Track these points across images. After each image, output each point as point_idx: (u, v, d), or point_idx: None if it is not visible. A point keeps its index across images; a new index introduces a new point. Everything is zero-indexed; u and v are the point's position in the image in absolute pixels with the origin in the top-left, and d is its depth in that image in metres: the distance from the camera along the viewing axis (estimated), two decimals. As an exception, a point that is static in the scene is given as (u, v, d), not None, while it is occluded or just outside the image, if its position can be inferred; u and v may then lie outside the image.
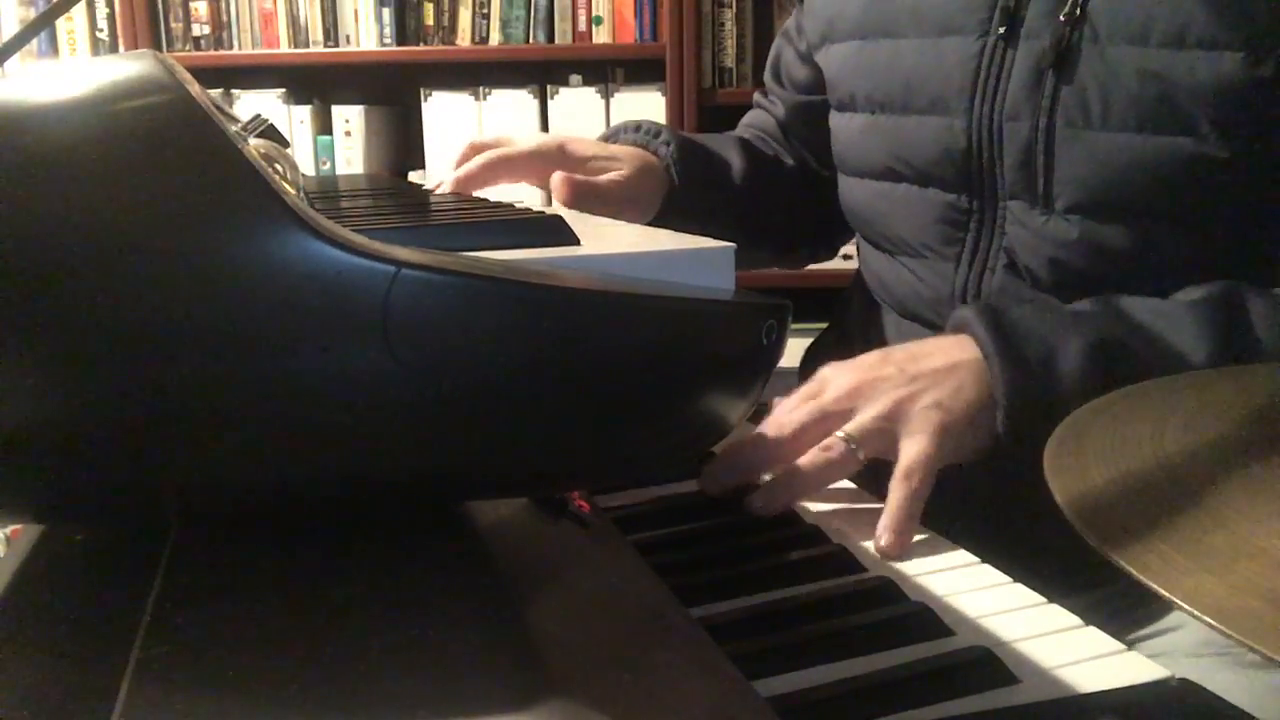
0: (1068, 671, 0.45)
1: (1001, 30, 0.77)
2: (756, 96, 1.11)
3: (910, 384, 0.64)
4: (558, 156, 0.87)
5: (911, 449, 0.62)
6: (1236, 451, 0.34)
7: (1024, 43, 0.76)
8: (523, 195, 0.85)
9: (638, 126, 0.97)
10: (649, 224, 0.89)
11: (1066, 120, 0.74)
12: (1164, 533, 0.29)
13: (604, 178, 0.86)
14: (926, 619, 0.49)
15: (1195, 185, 0.71)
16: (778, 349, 0.44)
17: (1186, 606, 0.25)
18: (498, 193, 0.85)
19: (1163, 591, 0.25)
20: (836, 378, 0.67)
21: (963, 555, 0.57)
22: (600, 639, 0.38)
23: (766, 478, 0.63)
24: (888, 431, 0.63)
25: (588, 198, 0.83)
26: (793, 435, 0.64)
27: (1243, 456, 0.34)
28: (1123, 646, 0.46)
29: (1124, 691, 0.43)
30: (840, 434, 0.63)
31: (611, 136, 0.99)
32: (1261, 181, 0.71)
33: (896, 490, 0.60)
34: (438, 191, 0.87)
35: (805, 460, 0.62)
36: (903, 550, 0.57)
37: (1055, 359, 0.64)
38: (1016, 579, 0.53)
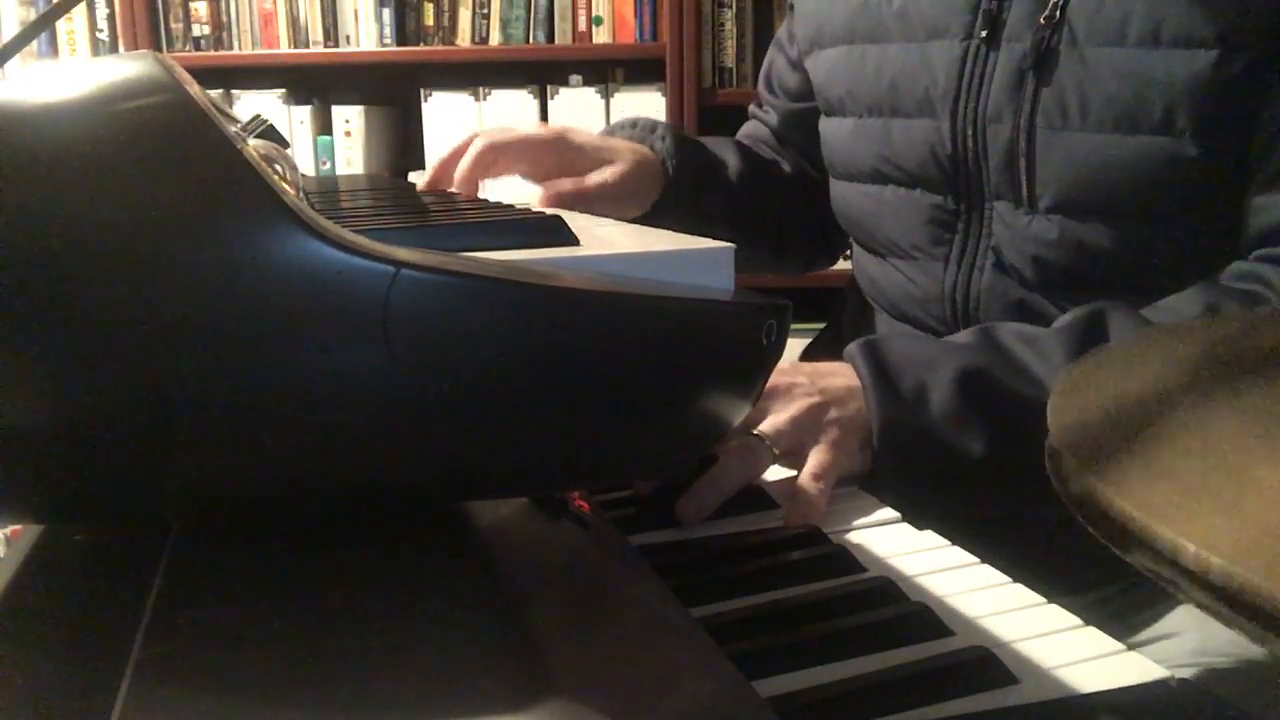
0: (1067, 671, 0.45)
1: (984, 33, 0.78)
2: (751, 108, 1.12)
3: (819, 394, 0.68)
4: (557, 145, 0.87)
5: (817, 456, 0.65)
6: (1236, 389, 0.34)
7: (1005, 45, 0.77)
8: (525, 194, 0.85)
9: (634, 123, 0.97)
10: (643, 221, 0.89)
11: (1047, 121, 0.75)
12: (1165, 476, 0.28)
13: (592, 181, 0.86)
14: (926, 619, 0.49)
15: (1172, 184, 0.72)
16: (778, 349, 0.44)
17: (1199, 551, 0.24)
18: (504, 188, 0.85)
19: (1175, 535, 0.25)
20: None
21: (963, 555, 0.57)
22: (600, 639, 0.38)
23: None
24: (797, 435, 0.66)
25: (576, 206, 0.83)
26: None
27: (1245, 396, 0.33)
28: (1123, 646, 0.46)
29: (1124, 691, 0.43)
30: (755, 432, 0.65)
31: (609, 132, 0.99)
32: (1234, 178, 0.72)
33: (810, 487, 0.63)
34: (424, 182, 0.87)
35: (728, 461, 0.63)
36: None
37: (927, 389, 0.67)
38: (1016, 579, 0.53)
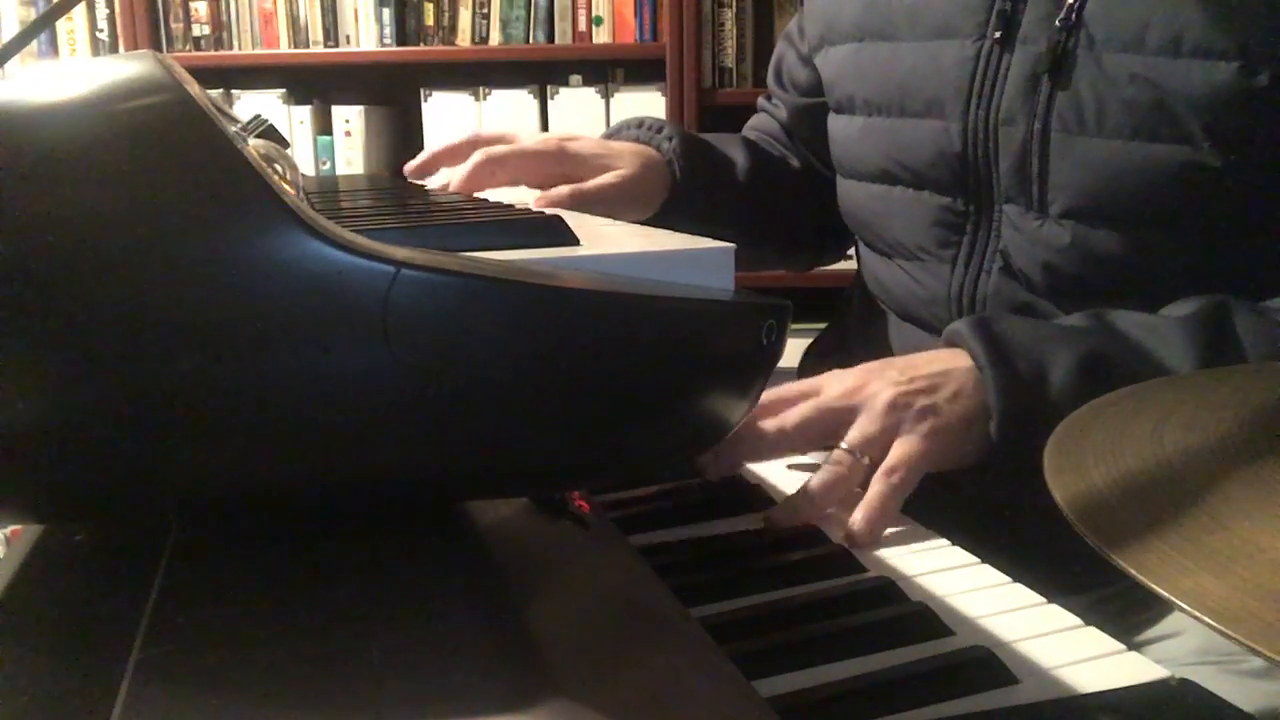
0: (1067, 671, 0.45)
1: (997, 34, 0.77)
2: (760, 100, 1.11)
3: (908, 384, 0.65)
4: (557, 156, 0.87)
5: (901, 448, 0.63)
6: (1236, 451, 0.34)
7: (1020, 47, 0.76)
8: (525, 194, 0.85)
9: (640, 123, 0.97)
10: (651, 223, 0.89)
11: (1061, 126, 0.74)
12: (1163, 533, 0.28)
13: (592, 183, 0.85)
14: (926, 619, 0.49)
15: (1187, 193, 0.71)
16: (778, 349, 0.44)
17: (1186, 607, 0.25)
18: (500, 193, 0.84)
19: (1162, 592, 0.25)
20: (839, 376, 0.68)
21: (963, 555, 0.57)
22: (600, 639, 0.38)
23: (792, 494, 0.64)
24: (887, 433, 0.64)
25: (579, 208, 0.83)
26: (795, 430, 0.65)
27: (1243, 456, 0.33)
28: (1122, 646, 0.46)
29: (1124, 691, 0.43)
30: (844, 446, 0.64)
31: (614, 133, 0.98)
32: (1254, 190, 0.71)
33: (877, 484, 0.61)
34: (412, 165, 0.87)
35: (820, 479, 0.63)
36: (871, 540, 0.59)
37: (1046, 371, 0.65)
38: (1016, 579, 0.53)
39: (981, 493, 0.67)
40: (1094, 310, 0.71)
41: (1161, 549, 0.28)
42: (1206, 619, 0.24)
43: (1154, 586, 0.26)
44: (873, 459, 0.63)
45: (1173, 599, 0.25)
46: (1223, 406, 0.39)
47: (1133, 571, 0.26)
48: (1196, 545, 0.28)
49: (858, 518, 0.59)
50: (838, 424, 0.65)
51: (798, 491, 0.62)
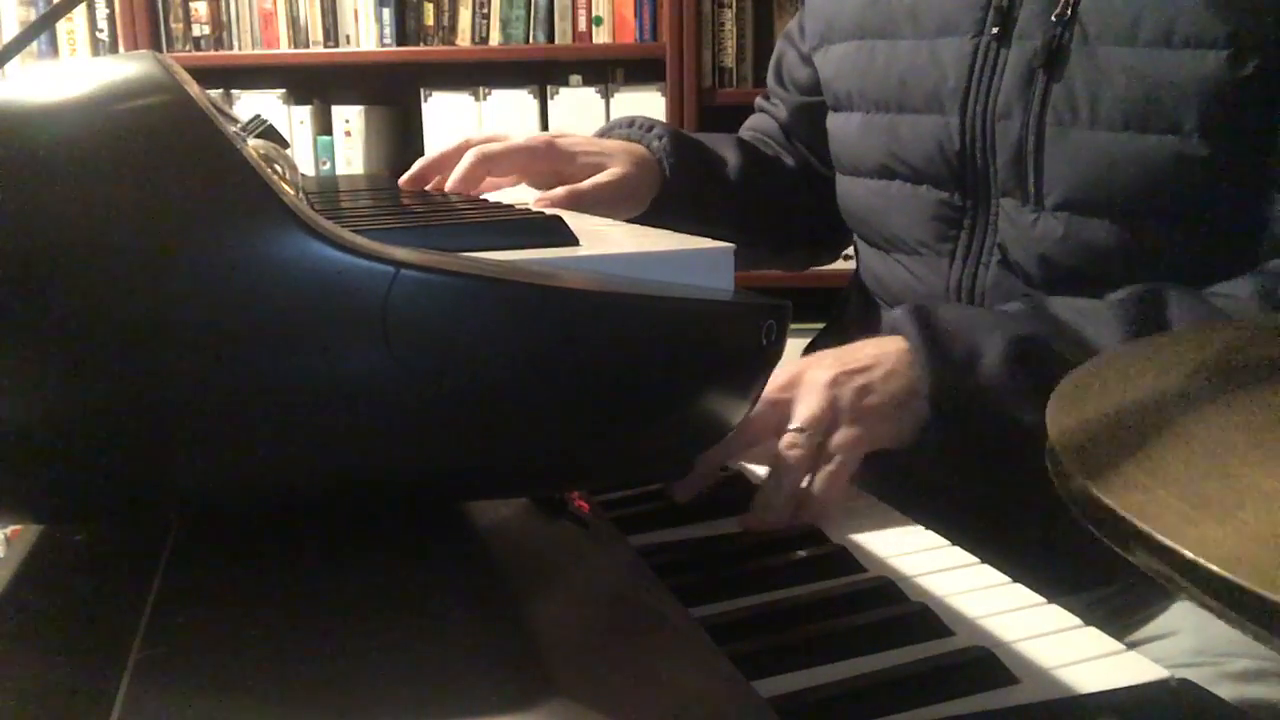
0: (1067, 672, 0.45)
1: (995, 30, 0.78)
2: (759, 100, 1.12)
3: (844, 367, 0.67)
4: (547, 153, 0.87)
5: (839, 436, 0.65)
6: (1234, 397, 0.34)
7: (1016, 43, 0.77)
8: (524, 195, 0.85)
9: (631, 122, 0.97)
10: (641, 221, 0.89)
11: (1056, 119, 0.75)
12: (1165, 482, 0.28)
13: (588, 183, 0.85)
14: (926, 619, 0.49)
15: (1180, 183, 0.72)
16: (778, 349, 0.44)
17: (1196, 557, 0.24)
18: (500, 194, 0.84)
19: (1171, 543, 0.25)
20: (778, 370, 0.68)
21: (963, 555, 0.57)
22: (600, 639, 0.38)
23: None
24: (831, 408, 0.65)
25: (575, 207, 0.83)
26: (744, 426, 0.65)
27: (1241, 402, 0.33)
28: (1122, 647, 0.46)
29: (1124, 692, 0.43)
30: (792, 428, 0.64)
31: (605, 132, 0.99)
32: (1245, 180, 0.72)
33: (823, 464, 0.63)
34: (407, 177, 0.87)
35: (781, 466, 0.63)
36: (826, 518, 0.62)
37: (979, 352, 0.67)
38: (1016, 579, 0.53)
39: (934, 477, 0.68)
40: (1032, 297, 0.73)
41: (1163, 496, 0.27)
42: (1214, 566, 0.24)
43: (1162, 538, 0.25)
44: (825, 435, 0.65)
45: (1181, 549, 0.25)
46: (1227, 359, 0.38)
47: (1137, 522, 0.26)
48: (1198, 492, 0.27)
49: (817, 494, 0.62)
50: (780, 416, 0.65)
51: (761, 487, 0.63)
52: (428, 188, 0.87)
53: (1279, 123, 0.70)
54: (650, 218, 0.91)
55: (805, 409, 0.65)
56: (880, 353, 0.68)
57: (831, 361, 0.67)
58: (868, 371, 0.67)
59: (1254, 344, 0.40)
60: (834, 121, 0.95)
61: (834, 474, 0.63)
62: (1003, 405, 0.66)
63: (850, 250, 1.04)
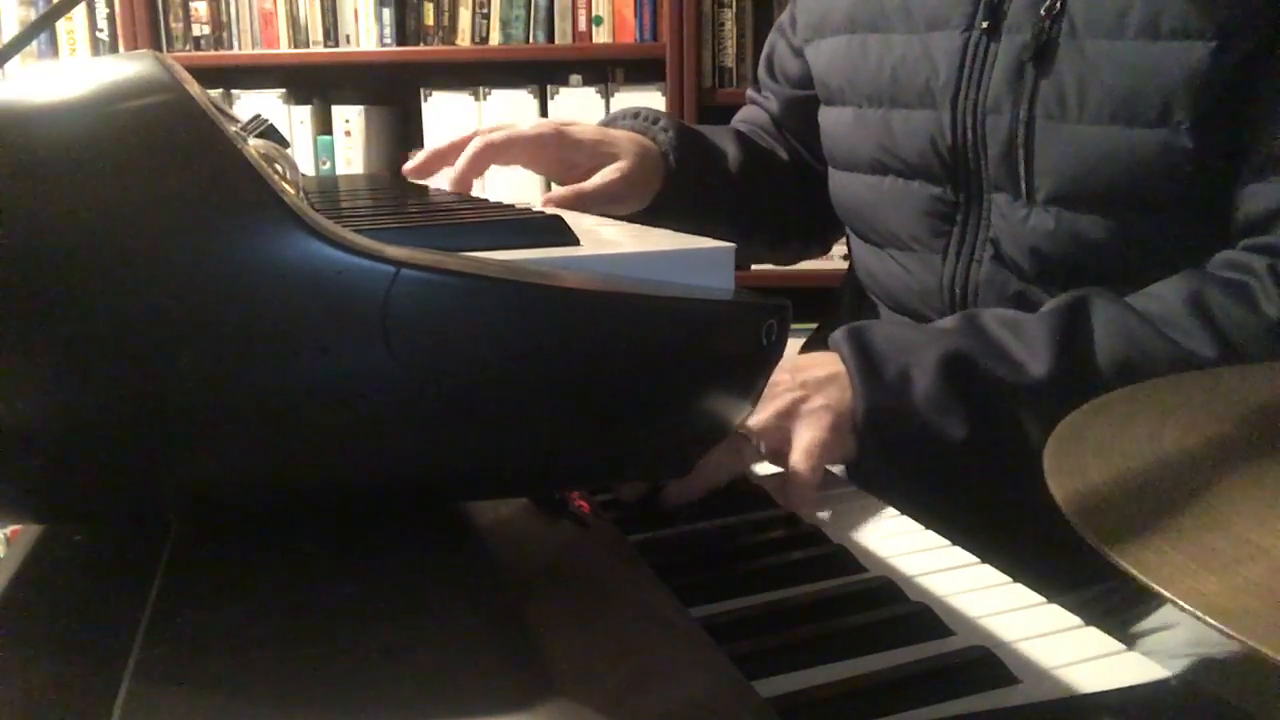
0: (1067, 671, 0.45)
1: (984, 24, 0.78)
2: (750, 93, 1.12)
3: (800, 388, 0.68)
4: (556, 140, 0.87)
5: (807, 434, 0.65)
6: (1236, 451, 0.34)
7: (1006, 36, 0.77)
8: (525, 194, 0.85)
9: (636, 113, 0.97)
10: (643, 213, 0.89)
11: (1045, 113, 0.76)
12: (1163, 532, 0.28)
13: (595, 182, 0.85)
14: (926, 619, 0.49)
15: (1169, 176, 0.73)
16: (778, 349, 0.44)
17: (1184, 604, 0.25)
18: (504, 184, 0.84)
19: (1161, 590, 0.25)
20: None
21: (963, 555, 0.57)
22: (600, 639, 0.37)
23: None
24: (783, 429, 0.66)
25: (579, 207, 0.83)
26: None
27: (1243, 456, 0.34)
28: (1122, 646, 0.46)
29: (1124, 691, 0.43)
30: (739, 430, 0.65)
31: (610, 122, 0.99)
32: (1230, 171, 0.72)
33: (801, 465, 0.64)
34: (411, 165, 0.87)
35: (713, 455, 0.63)
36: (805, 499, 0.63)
37: (910, 373, 0.68)
38: (1016, 579, 0.53)
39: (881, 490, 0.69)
40: (970, 310, 0.74)
41: (1160, 547, 0.28)
42: (1206, 617, 0.24)
43: (1153, 585, 0.26)
44: (769, 448, 0.66)
45: (1171, 597, 0.25)
46: (1222, 406, 0.39)
47: (1131, 569, 0.26)
48: (1196, 544, 0.28)
49: (795, 496, 0.62)
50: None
51: (690, 475, 0.63)
52: (431, 181, 0.87)
53: (1258, 109, 0.70)
54: (652, 209, 0.91)
55: (759, 421, 0.66)
56: (831, 372, 0.69)
57: (788, 379, 0.68)
58: (824, 392, 0.68)
59: (1256, 391, 0.40)
60: (826, 116, 0.95)
61: (806, 479, 0.63)
62: (933, 422, 0.67)
63: (844, 250, 1.05)
